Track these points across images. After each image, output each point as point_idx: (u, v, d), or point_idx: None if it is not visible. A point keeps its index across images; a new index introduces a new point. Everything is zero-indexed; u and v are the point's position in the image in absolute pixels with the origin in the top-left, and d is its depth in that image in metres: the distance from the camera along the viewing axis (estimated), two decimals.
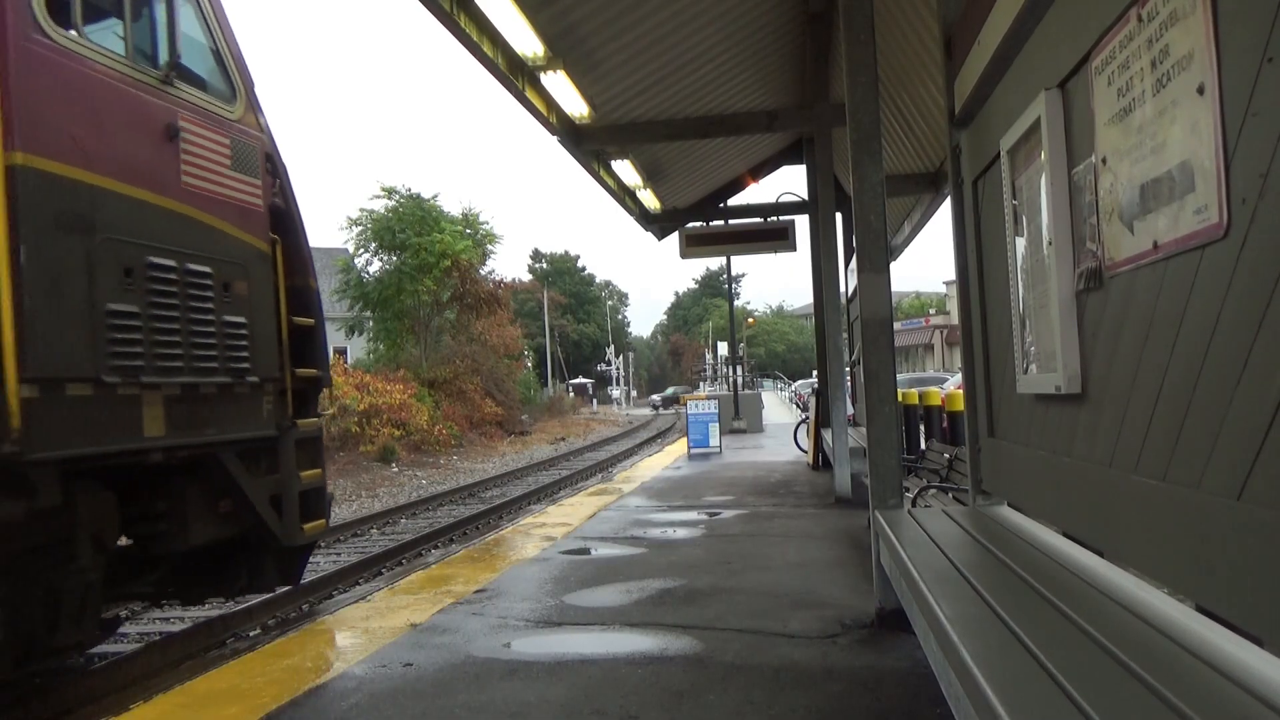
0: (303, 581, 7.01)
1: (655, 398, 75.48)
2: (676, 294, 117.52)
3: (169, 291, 4.90)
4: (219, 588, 5.98)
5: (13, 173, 4.04)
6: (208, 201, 5.30)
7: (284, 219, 6.06)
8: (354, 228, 33.23)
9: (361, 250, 33.61)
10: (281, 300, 5.94)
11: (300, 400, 6.10)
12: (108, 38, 4.87)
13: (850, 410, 12.59)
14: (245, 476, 5.58)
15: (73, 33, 4.56)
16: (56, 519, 4.49)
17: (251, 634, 6.60)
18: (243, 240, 5.56)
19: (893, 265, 10.74)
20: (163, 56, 5.14)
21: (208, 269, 5.21)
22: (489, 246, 37.11)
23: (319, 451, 6.29)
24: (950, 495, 6.08)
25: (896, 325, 14.76)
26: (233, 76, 5.73)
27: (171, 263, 4.93)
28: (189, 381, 5.01)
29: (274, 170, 6.05)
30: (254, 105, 5.90)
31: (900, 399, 8.22)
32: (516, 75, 8.15)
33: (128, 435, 4.60)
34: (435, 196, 36.33)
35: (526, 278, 79.13)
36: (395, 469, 21.47)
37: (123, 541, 5.35)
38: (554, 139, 9.94)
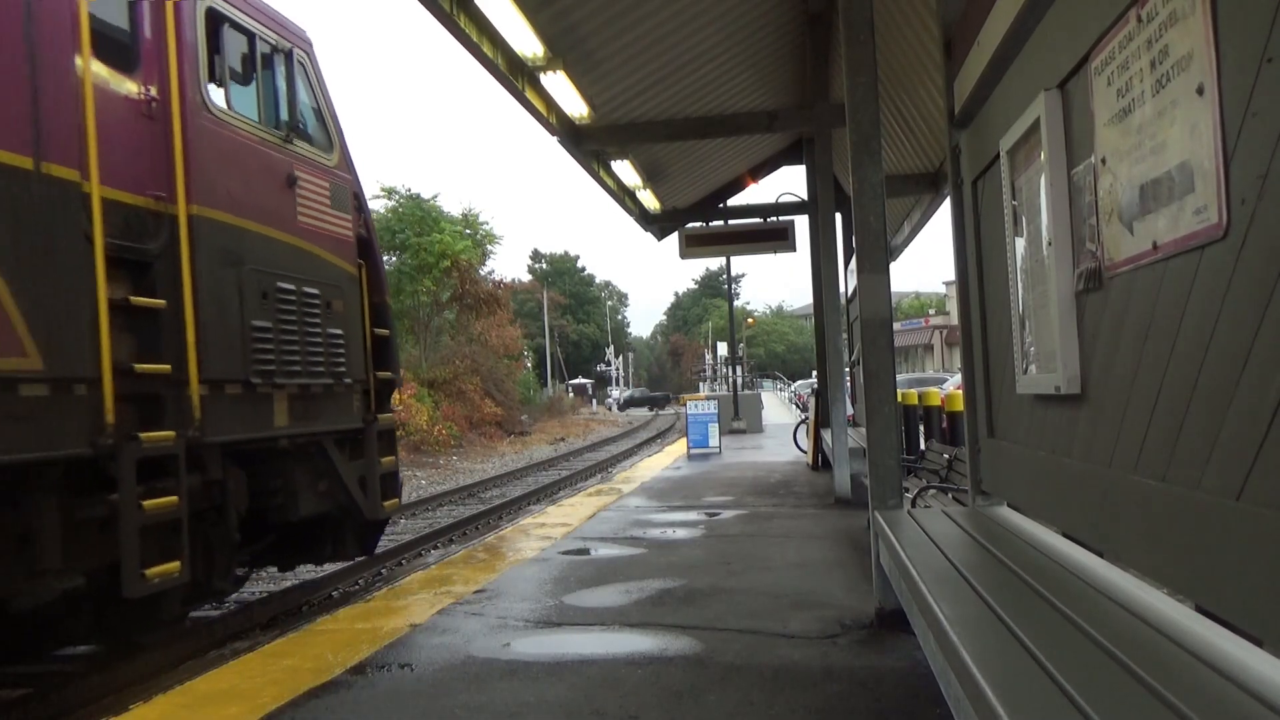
0: (300, 581, 7.69)
1: (616, 395, 73.50)
2: (676, 294, 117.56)
3: (291, 310, 6.08)
4: (310, 556, 7.18)
5: (191, 221, 5.24)
6: (315, 235, 6.47)
7: (367, 246, 7.23)
8: None
9: None
10: (366, 315, 7.10)
11: (379, 398, 7.21)
12: (245, 106, 5.99)
13: (850, 410, 12.59)
14: (341, 461, 6.74)
15: (223, 104, 5.72)
16: (215, 490, 5.62)
17: (251, 634, 6.60)
18: (340, 266, 6.75)
19: (892, 266, 10.76)
20: (283, 119, 6.29)
21: (316, 290, 6.40)
22: (489, 247, 37.15)
23: (393, 441, 7.47)
24: (950, 496, 6.08)
25: (896, 325, 14.75)
26: (330, 130, 6.92)
27: (292, 286, 6.12)
28: (304, 382, 6.21)
29: (359, 206, 7.21)
30: (344, 152, 7.10)
31: (900, 399, 8.23)
32: (516, 75, 8.16)
33: (264, 425, 5.85)
34: (435, 196, 36.38)
35: (526, 278, 79.19)
36: None
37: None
38: (554, 139, 9.94)
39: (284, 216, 6.17)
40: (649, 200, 13.97)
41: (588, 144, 10.30)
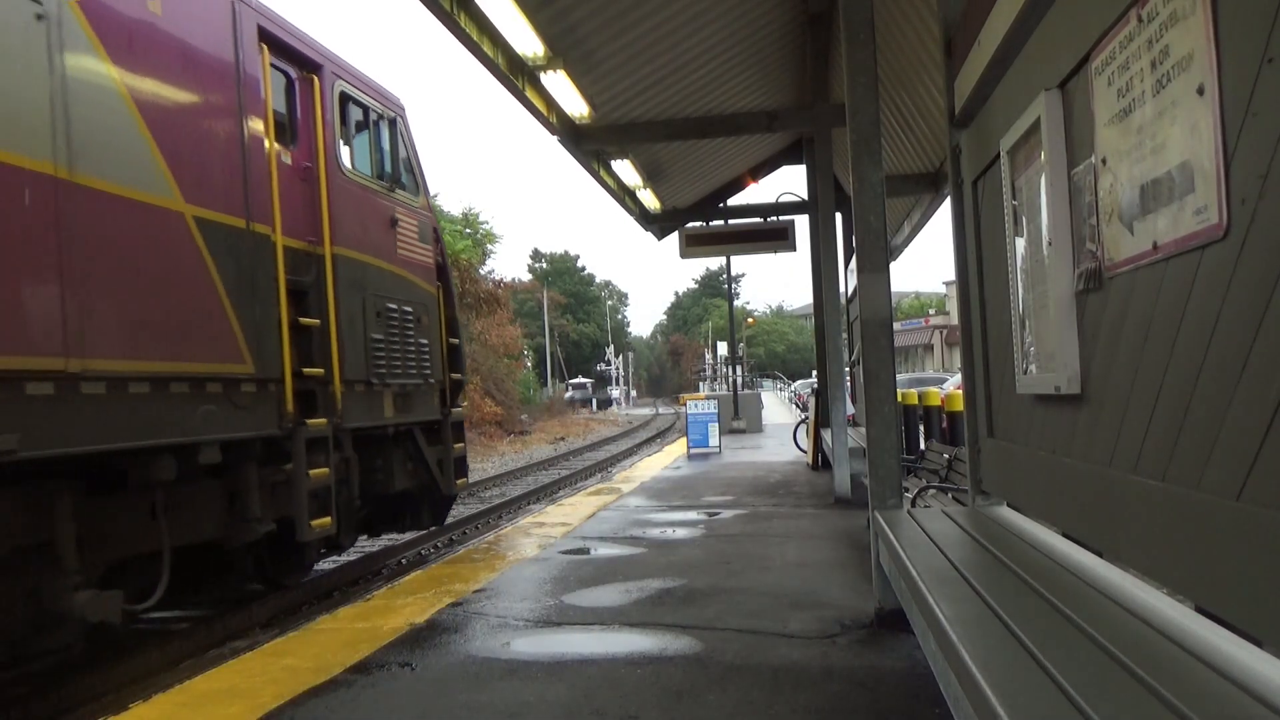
0: (301, 580, 7.84)
1: (575, 387, 72.42)
2: (676, 294, 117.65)
3: (394, 325, 7.67)
4: (393, 526, 8.72)
5: (333, 259, 6.84)
6: (409, 264, 8.10)
7: (443, 271, 8.89)
8: None
9: None
10: (443, 327, 8.74)
11: (452, 395, 8.82)
12: (362, 164, 7.56)
13: (850, 410, 12.59)
14: (425, 446, 8.38)
15: (349, 164, 7.27)
16: (346, 467, 7.14)
17: (250, 633, 6.60)
18: (425, 289, 8.40)
19: (892, 265, 10.76)
20: (387, 172, 7.88)
21: (410, 309, 8.00)
22: (488, 246, 37.17)
23: (463, 431, 9.18)
24: (950, 495, 6.08)
25: (896, 325, 14.77)
26: (418, 178, 8.55)
27: (395, 306, 7.71)
28: (403, 382, 7.78)
29: (437, 238, 8.85)
30: (427, 194, 8.89)
31: (900, 399, 8.23)
32: (517, 75, 8.16)
33: (378, 416, 7.46)
34: (435, 196, 36.35)
35: (526, 277, 79.15)
36: None
37: None
38: (554, 139, 9.94)
39: (389, 250, 7.78)
40: (649, 200, 13.97)
41: (588, 143, 10.30)
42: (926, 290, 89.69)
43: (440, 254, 8.87)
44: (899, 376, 6.71)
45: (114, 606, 5.04)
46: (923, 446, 10.01)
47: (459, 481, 8.89)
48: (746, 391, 31.75)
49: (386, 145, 7.97)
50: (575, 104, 9.15)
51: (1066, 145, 2.77)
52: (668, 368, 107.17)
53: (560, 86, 8.60)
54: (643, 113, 10.44)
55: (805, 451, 14.69)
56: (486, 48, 7.45)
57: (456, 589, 5.78)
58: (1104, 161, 2.45)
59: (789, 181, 55.34)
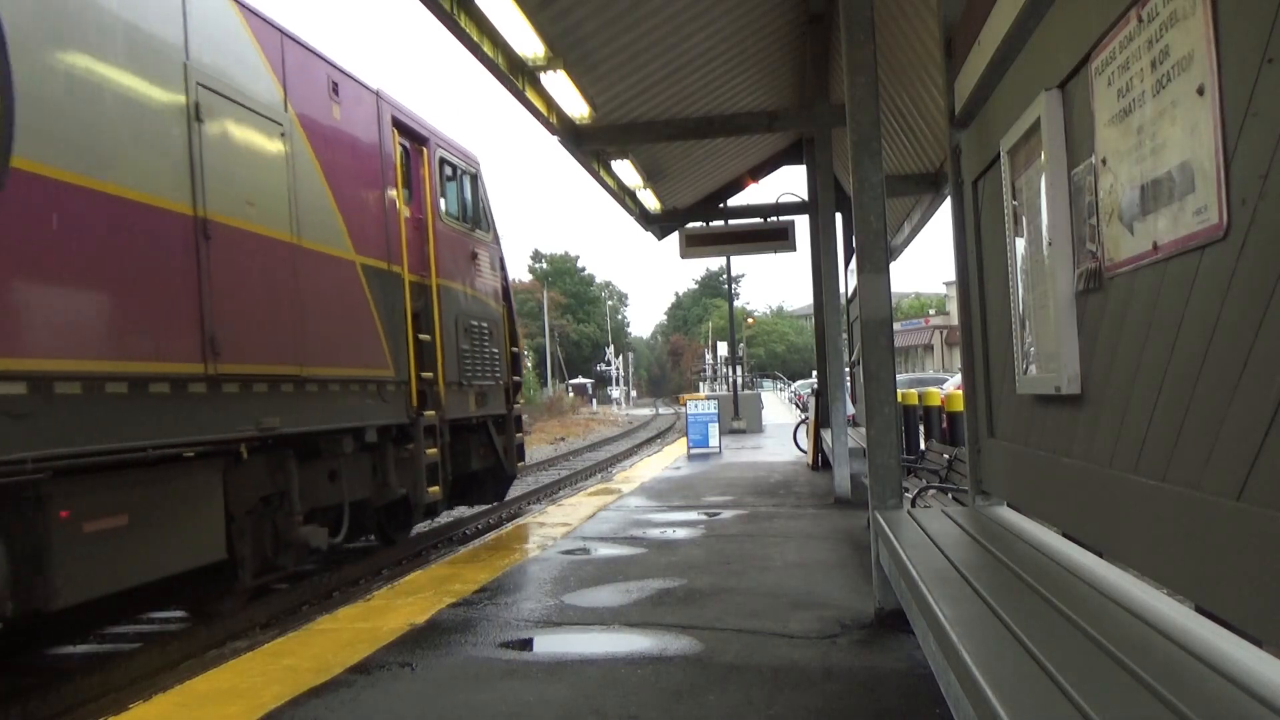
0: (300, 580, 7.95)
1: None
2: (676, 294, 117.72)
3: (475, 338, 9.93)
4: (464, 501, 10.94)
5: (438, 288, 9.00)
6: (483, 289, 10.38)
7: (507, 293, 11.24)
8: None
9: None
10: (506, 339, 11.03)
11: (514, 394, 11.15)
12: (452, 209, 9.79)
13: (850, 410, 12.59)
14: (495, 435, 10.70)
15: (444, 211, 9.49)
16: (445, 450, 9.26)
17: (251, 634, 6.60)
18: (495, 308, 10.74)
19: (892, 266, 10.76)
20: (469, 216, 10.19)
21: (485, 325, 10.30)
22: None
23: (520, 423, 11.50)
24: (950, 496, 6.08)
25: (896, 326, 14.76)
26: (489, 218, 10.81)
27: (475, 323, 9.98)
28: (481, 383, 10.07)
29: (502, 266, 11.15)
30: (495, 231, 11.01)
31: (900, 399, 8.22)
32: (517, 75, 8.15)
33: (466, 410, 9.70)
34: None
35: (526, 278, 79.12)
36: None
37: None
38: (554, 139, 9.94)
39: (471, 279, 10.06)
40: (649, 200, 13.97)
41: (588, 144, 10.30)
42: (926, 290, 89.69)
43: (504, 279, 11.22)
44: (899, 377, 6.70)
45: (322, 537, 7.34)
46: (923, 447, 10.01)
47: (520, 464, 11.47)
48: (746, 392, 31.75)
49: (469, 195, 10.29)
50: (575, 104, 9.15)
51: (1066, 145, 2.77)
52: (668, 368, 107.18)
53: (560, 87, 8.60)
54: (643, 113, 10.44)
55: (805, 452, 14.68)
56: (487, 48, 7.45)
57: (457, 589, 5.78)
58: (1104, 162, 2.45)
59: (789, 182, 55.38)
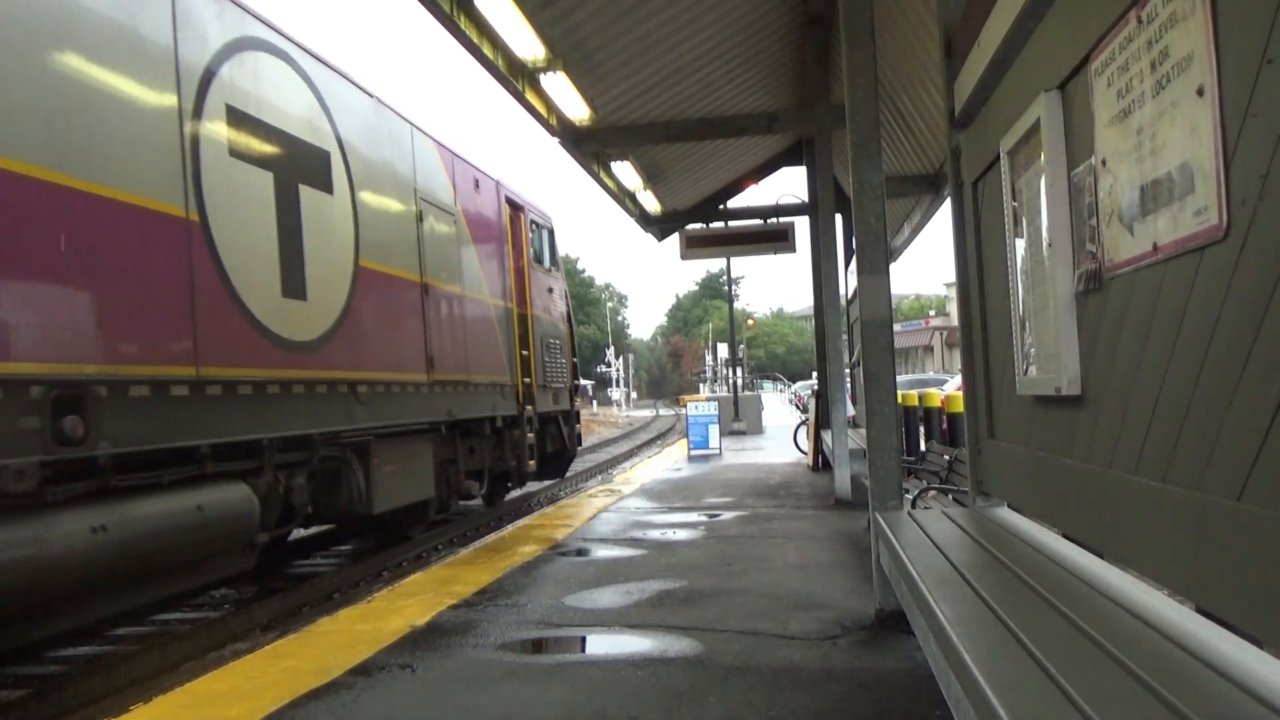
0: (301, 580, 8.04)
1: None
2: (677, 296, 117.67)
3: (551, 351, 13.23)
4: (541, 477, 13.90)
5: (531, 317, 12.48)
6: (554, 314, 13.76)
7: (569, 316, 14.76)
8: None
9: None
10: (570, 352, 14.59)
11: (574, 395, 14.68)
12: (537, 255, 12.99)
13: (850, 412, 12.58)
14: (564, 426, 14.12)
15: (533, 258, 12.87)
16: (535, 435, 12.39)
17: (251, 635, 6.60)
18: (562, 328, 14.28)
19: (892, 267, 10.74)
20: (545, 259, 13.54)
21: (557, 341, 13.69)
22: None
23: (579, 416, 15.03)
24: (950, 497, 6.08)
25: (896, 327, 14.79)
26: (557, 259, 14.33)
27: (551, 340, 13.32)
28: (555, 386, 13.42)
29: (566, 295, 14.63)
30: (560, 268, 14.57)
31: (900, 400, 8.22)
32: (517, 77, 8.16)
33: (549, 406, 13.12)
34: None
35: None
36: None
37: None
38: (554, 141, 9.94)
39: (548, 307, 13.55)
40: (649, 201, 13.97)
41: (588, 145, 10.30)
42: (926, 292, 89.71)
43: (567, 305, 14.77)
44: (899, 378, 6.70)
45: (476, 489, 11.22)
46: (923, 448, 10.01)
47: (579, 448, 15.51)
48: (747, 393, 31.74)
49: (545, 245, 13.80)
50: (575, 106, 9.15)
51: (1066, 146, 2.77)
52: (668, 369, 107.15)
53: (560, 88, 8.60)
54: (643, 114, 10.44)
55: (805, 453, 14.68)
56: (487, 49, 7.45)
57: (457, 590, 5.78)
58: (1104, 162, 2.45)
59: (789, 183, 55.33)
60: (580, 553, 7.05)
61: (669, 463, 15.77)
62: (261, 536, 6.94)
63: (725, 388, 44.07)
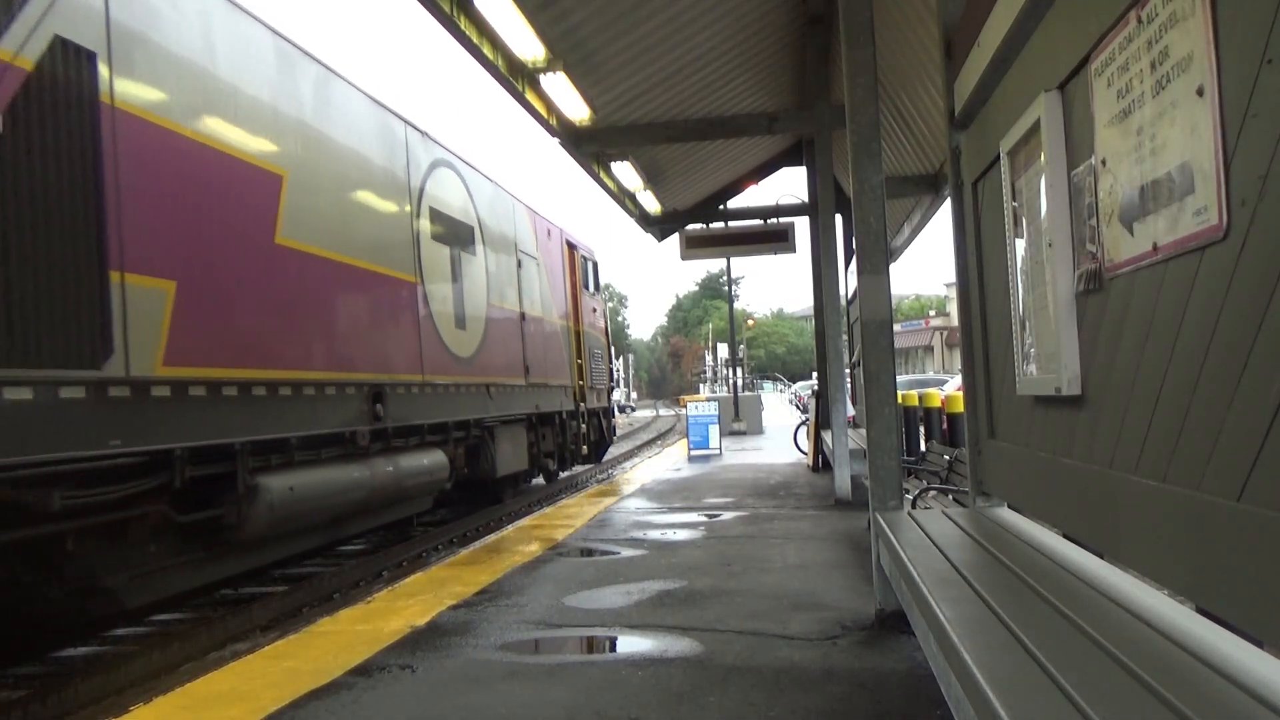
0: (300, 580, 8.08)
1: None
2: (677, 296, 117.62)
3: (595, 358, 17.39)
4: (580, 461, 16.51)
5: (582, 332, 16.53)
6: (597, 329, 17.80)
7: (607, 330, 18.59)
8: None
9: None
10: (609, 358, 18.75)
11: (610, 395, 18.83)
12: (586, 281, 17.08)
13: (850, 412, 12.58)
14: (604, 420, 17.99)
15: (582, 286, 16.89)
16: (586, 426, 16.65)
17: (251, 636, 6.60)
18: (603, 340, 18.27)
19: (892, 267, 10.75)
20: (591, 285, 17.43)
21: (599, 350, 17.82)
22: None
23: (612, 412, 18.95)
24: (950, 497, 6.08)
25: (896, 327, 14.82)
26: (599, 284, 18.16)
27: (595, 350, 17.51)
28: (599, 387, 17.74)
29: (605, 313, 18.51)
30: (601, 290, 18.47)
31: (900, 401, 8.22)
32: (517, 77, 8.16)
33: (594, 403, 17.20)
34: None
35: None
36: None
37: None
38: (553, 141, 9.94)
39: (594, 324, 17.11)
40: (649, 202, 13.97)
41: (588, 146, 10.30)
42: (927, 292, 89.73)
43: (606, 320, 18.56)
44: (899, 378, 6.70)
45: (553, 465, 14.81)
46: (923, 448, 10.01)
47: (615, 438, 19.80)
48: (747, 393, 31.75)
49: (590, 273, 17.33)
50: (575, 106, 9.15)
51: (1066, 146, 2.77)
52: (668, 370, 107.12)
53: (560, 89, 8.61)
54: (643, 115, 10.44)
55: (805, 453, 14.68)
56: (487, 50, 7.45)
57: (457, 591, 5.78)
58: (1104, 162, 2.45)
59: (789, 183, 55.30)
60: (580, 553, 7.05)
61: (669, 463, 15.77)
62: (446, 485, 10.51)
63: (725, 388, 44.09)
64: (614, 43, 8.48)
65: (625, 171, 12.08)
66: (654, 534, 7.79)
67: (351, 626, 5.02)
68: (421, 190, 10.04)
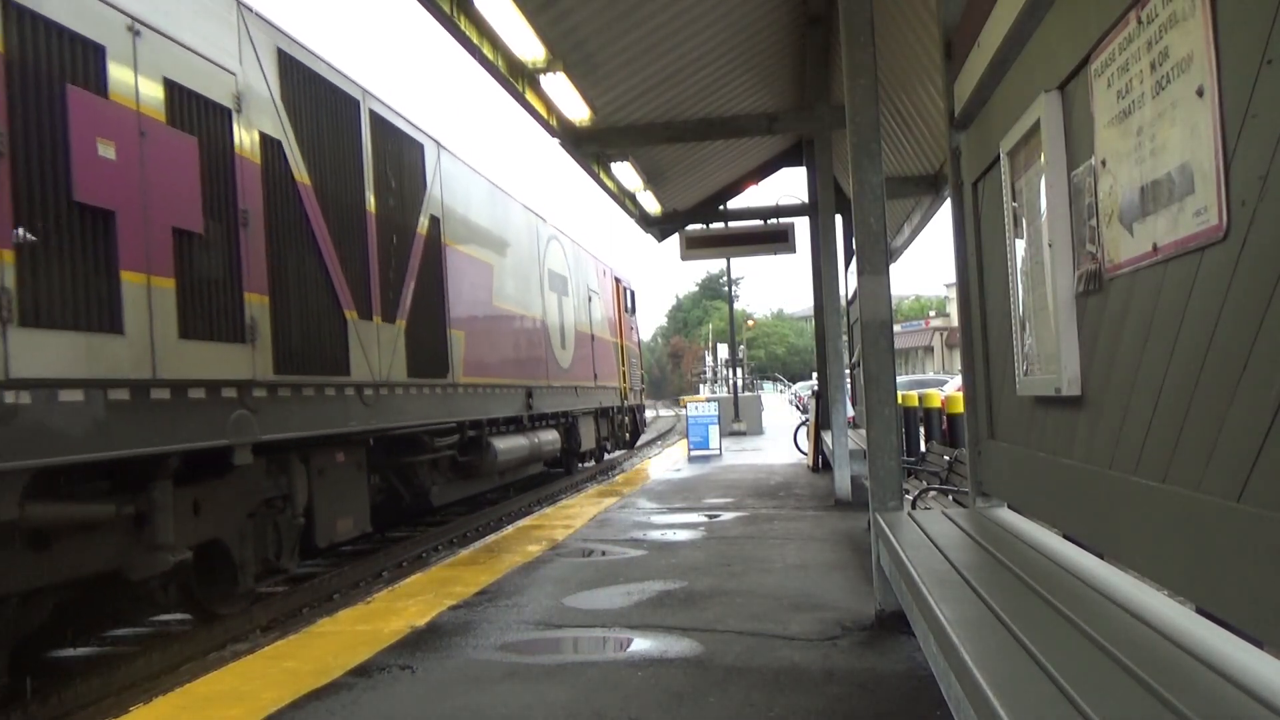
0: (300, 582, 8.06)
1: None
2: (677, 297, 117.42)
3: (632, 368, 22.43)
4: (621, 446, 21.46)
5: (624, 347, 21.48)
6: (634, 341, 23.51)
7: (639, 342, 24.47)
8: None
9: None
10: (641, 367, 24.54)
11: (642, 395, 24.42)
12: (625, 306, 22.47)
13: (850, 412, 12.58)
14: (637, 415, 23.24)
15: (624, 309, 22.14)
16: (625, 419, 21.99)
17: (251, 636, 6.60)
18: (637, 351, 23.83)
19: (892, 268, 10.73)
20: (629, 308, 22.74)
21: (635, 359, 23.30)
22: None
23: (643, 410, 24.88)
24: (950, 497, 6.08)
25: (896, 327, 14.80)
26: (635, 306, 23.61)
27: (633, 360, 22.73)
28: (635, 388, 23.03)
29: (637, 329, 24.21)
30: (636, 313, 24.08)
31: (900, 401, 8.22)
32: (517, 78, 8.15)
33: (630, 402, 22.03)
34: None
35: None
36: None
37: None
38: (553, 141, 9.94)
39: (630, 337, 22.37)
40: (649, 202, 13.97)
41: (588, 146, 10.29)
42: (927, 292, 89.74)
43: (638, 335, 22.78)
44: (899, 378, 6.70)
45: (602, 451, 19.60)
46: (923, 448, 10.01)
47: (644, 429, 24.14)
48: (747, 394, 31.76)
49: (630, 299, 22.26)
50: (575, 107, 9.15)
51: (1066, 147, 2.77)
52: (668, 370, 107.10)
53: (560, 89, 8.60)
54: (643, 115, 10.44)
55: (805, 454, 14.68)
56: (487, 50, 7.45)
57: (457, 591, 5.78)
58: (1104, 163, 2.45)
59: (789, 184, 55.30)
60: (580, 553, 7.05)
61: (669, 463, 15.77)
62: (557, 453, 15.22)
63: (725, 388, 44.12)
64: (614, 43, 8.47)
65: (625, 172, 12.08)
66: (654, 534, 7.78)
67: (351, 627, 5.02)
68: (543, 257, 14.76)
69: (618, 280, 21.39)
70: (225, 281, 6.20)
